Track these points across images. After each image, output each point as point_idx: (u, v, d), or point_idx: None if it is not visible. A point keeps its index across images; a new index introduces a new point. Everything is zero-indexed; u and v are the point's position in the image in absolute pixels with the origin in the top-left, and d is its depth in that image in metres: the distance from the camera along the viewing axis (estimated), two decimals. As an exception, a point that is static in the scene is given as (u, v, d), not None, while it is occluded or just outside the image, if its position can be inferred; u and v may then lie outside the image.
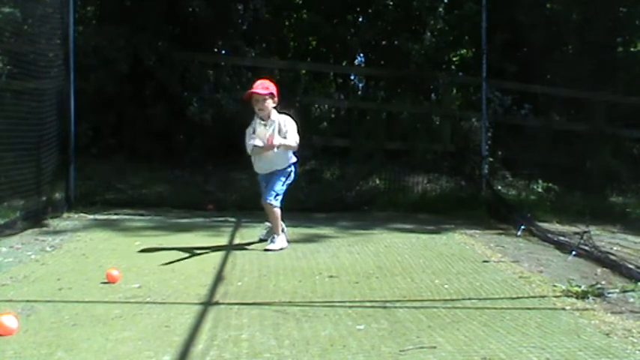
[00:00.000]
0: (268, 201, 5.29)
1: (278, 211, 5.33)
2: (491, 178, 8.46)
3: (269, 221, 5.48)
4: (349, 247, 5.44)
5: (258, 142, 5.25)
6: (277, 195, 5.31)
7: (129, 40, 8.49)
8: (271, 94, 5.27)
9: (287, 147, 5.28)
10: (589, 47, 8.89)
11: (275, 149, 5.24)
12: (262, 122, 5.31)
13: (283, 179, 5.36)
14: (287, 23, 10.57)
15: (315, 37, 10.37)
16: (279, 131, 5.28)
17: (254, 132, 5.31)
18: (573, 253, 5.18)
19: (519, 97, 9.08)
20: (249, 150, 5.33)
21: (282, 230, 5.45)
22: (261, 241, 5.53)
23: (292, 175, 5.45)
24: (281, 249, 5.28)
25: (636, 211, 7.74)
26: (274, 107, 5.33)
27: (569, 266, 4.85)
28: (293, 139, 5.29)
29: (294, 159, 5.45)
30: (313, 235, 5.94)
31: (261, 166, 5.40)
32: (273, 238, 5.34)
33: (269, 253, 5.15)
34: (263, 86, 5.27)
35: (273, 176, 5.36)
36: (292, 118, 5.41)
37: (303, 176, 7.20)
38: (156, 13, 8.86)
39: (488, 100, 8.57)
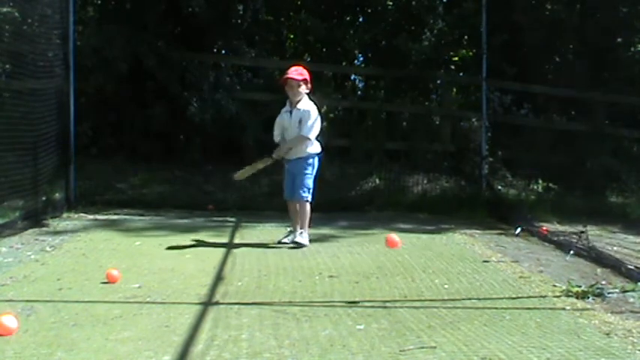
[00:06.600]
0: (303, 198, 5.34)
1: (309, 205, 5.40)
2: (491, 178, 8.46)
3: (290, 224, 5.54)
4: (349, 247, 5.43)
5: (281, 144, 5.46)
6: (309, 189, 5.38)
7: (129, 40, 8.48)
8: (305, 80, 5.36)
9: (301, 141, 5.33)
10: (589, 47, 8.88)
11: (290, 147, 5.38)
12: (288, 110, 5.38)
13: (310, 171, 5.38)
14: (287, 24, 10.57)
15: (315, 38, 10.36)
16: (300, 122, 5.33)
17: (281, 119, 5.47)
18: (571, 252, 5.18)
19: (519, 97, 9.08)
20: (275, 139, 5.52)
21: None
22: (279, 243, 5.49)
23: (316, 165, 5.47)
24: (304, 245, 5.33)
25: (636, 211, 7.73)
26: (307, 93, 5.40)
27: (569, 266, 4.85)
28: (306, 132, 5.31)
29: (317, 148, 5.45)
30: (313, 235, 5.93)
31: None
32: (302, 232, 5.38)
33: (268, 252, 5.14)
34: (298, 72, 5.36)
35: (298, 168, 5.38)
36: (316, 104, 5.45)
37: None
38: (156, 13, 8.86)
39: (488, 100, 8.57)
